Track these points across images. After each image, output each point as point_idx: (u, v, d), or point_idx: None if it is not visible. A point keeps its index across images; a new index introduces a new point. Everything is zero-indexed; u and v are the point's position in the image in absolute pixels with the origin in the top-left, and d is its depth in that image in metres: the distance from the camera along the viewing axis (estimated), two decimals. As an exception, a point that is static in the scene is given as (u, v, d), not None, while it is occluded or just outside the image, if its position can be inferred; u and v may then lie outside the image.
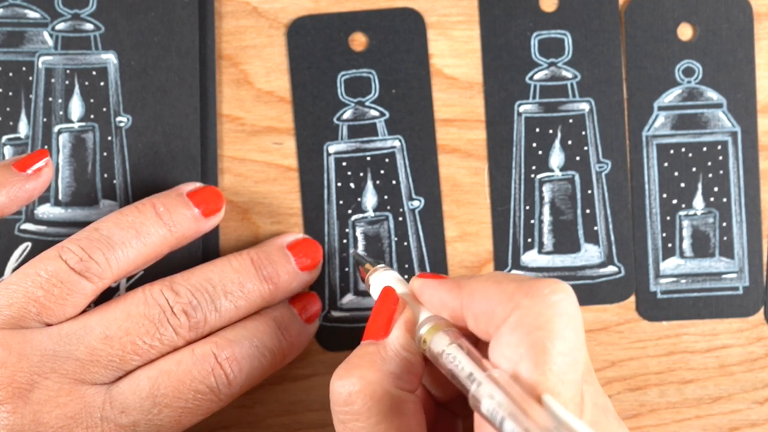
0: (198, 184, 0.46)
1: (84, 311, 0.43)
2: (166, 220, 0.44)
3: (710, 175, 0.49)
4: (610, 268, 0.49)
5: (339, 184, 0.48)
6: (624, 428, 0.38)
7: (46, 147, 0.47)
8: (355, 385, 0.38)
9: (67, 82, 0.47)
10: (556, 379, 0.34)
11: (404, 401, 0.38)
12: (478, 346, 0.38)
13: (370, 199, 0.48)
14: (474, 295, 0.37)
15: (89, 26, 0.47)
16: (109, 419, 0.41)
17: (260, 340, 0.44)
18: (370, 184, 0.48)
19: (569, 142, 0.48)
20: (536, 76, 0.48)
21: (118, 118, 0.47)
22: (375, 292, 0.43)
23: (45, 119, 0.47)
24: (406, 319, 0.40)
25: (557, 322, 0.35)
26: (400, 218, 0.48)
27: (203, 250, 0.47)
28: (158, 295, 0.43)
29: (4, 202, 0.44)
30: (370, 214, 0.48)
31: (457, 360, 0.36)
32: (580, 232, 0.49)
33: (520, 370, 0.34)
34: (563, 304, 0.35)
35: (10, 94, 0.47)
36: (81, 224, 0.47)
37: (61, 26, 0.47)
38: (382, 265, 0.44)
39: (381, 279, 0.43)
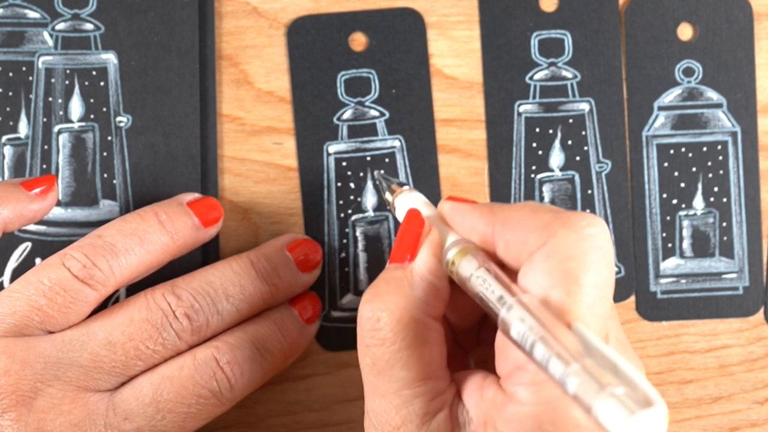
0: (197, 195, 0.46)
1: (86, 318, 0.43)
2: (168, 227, 0.44)
3: (710, 175, 0.49)
4: (610, 268, 0.49)
5: (339, 184, 0.48)
6: (641, 366, 0.38)
7: (54, 174, 0.47)
8: (383, 311, 0.37)
9: (67, 82, 0.47)
10: (586, 311, 0.34)
11: (429, 329, 0.38)
12: (505, 273, 0.37)
13: (370, 199, 0.48)
14: (508, 221, 0.37)
15: (89, 26, 0.47)
16: (113, 426, 0.41)
17: (261, 343, 0.44)
18: (369, 184, 0.48)
19: (569, 142, 0.48)
20: (536, 76, 0.48)
21: (118, 118, 0.47)
22: (401, 215, 0.42)
23: (45, 119, 0.47)
24: (432, 242, 0.39)
25: (592, 255, 0.35)
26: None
27: (203, 250, 0.47)
28: (160, 299, 0.43)
29: (8, 217, 0.43)
30: (370, 214, 0.48)
31: (486, 283, 0.36)
32: (580, 232, 0.49)
33: (550, 296, 0.34)
34: (599, 238, 0.35)
35: (10, 94, 0.47)
36: (81, 224, 0.47)
37: (61, 26, 0.47)
38: (408, 186, 0.43)
39: (407, 201, 0.42)
